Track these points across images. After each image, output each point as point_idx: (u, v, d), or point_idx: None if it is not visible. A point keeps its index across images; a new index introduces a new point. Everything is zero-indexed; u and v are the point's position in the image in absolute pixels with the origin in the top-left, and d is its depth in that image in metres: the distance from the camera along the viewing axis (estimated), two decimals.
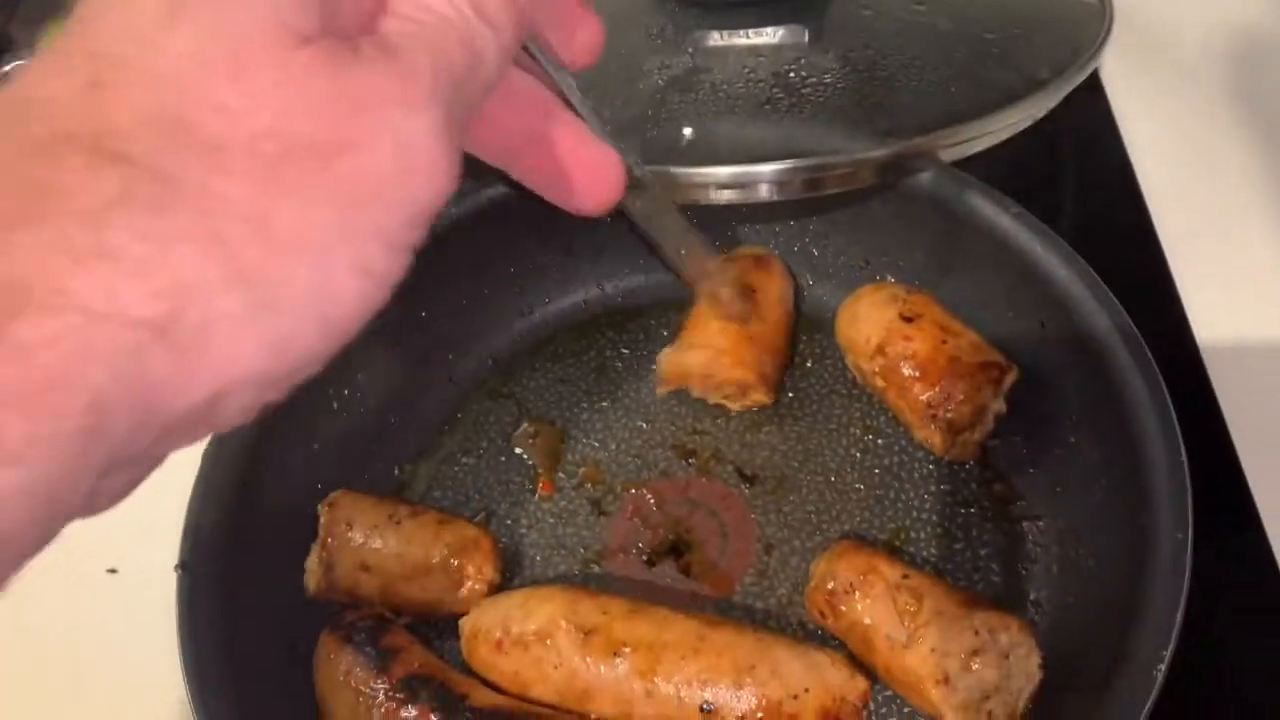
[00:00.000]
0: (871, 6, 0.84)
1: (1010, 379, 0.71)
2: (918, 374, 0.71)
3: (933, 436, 0.72)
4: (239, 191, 0.29)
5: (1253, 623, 0.68)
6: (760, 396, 0.76)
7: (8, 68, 0.95)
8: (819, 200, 0.78)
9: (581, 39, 0.45)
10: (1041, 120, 0.79)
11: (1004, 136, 0.77)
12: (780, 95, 0.77)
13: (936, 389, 0.71)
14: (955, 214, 0.75)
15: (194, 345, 0.29)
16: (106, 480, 0.29)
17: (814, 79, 0.77)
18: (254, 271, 0.30)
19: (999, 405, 0.72)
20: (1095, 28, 0.83)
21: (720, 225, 0.85)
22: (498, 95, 0.37)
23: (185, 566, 0.66)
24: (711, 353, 0.75)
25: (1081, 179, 0.93)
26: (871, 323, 0.74)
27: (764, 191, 0.75)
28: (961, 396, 0.70)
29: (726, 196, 0.76)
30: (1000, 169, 0.77)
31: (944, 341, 0.72)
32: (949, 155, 0.76)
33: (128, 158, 0.29)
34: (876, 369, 0.74)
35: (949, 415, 0.70)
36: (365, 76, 0.31)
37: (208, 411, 0.30)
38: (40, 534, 0.28)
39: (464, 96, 0.34)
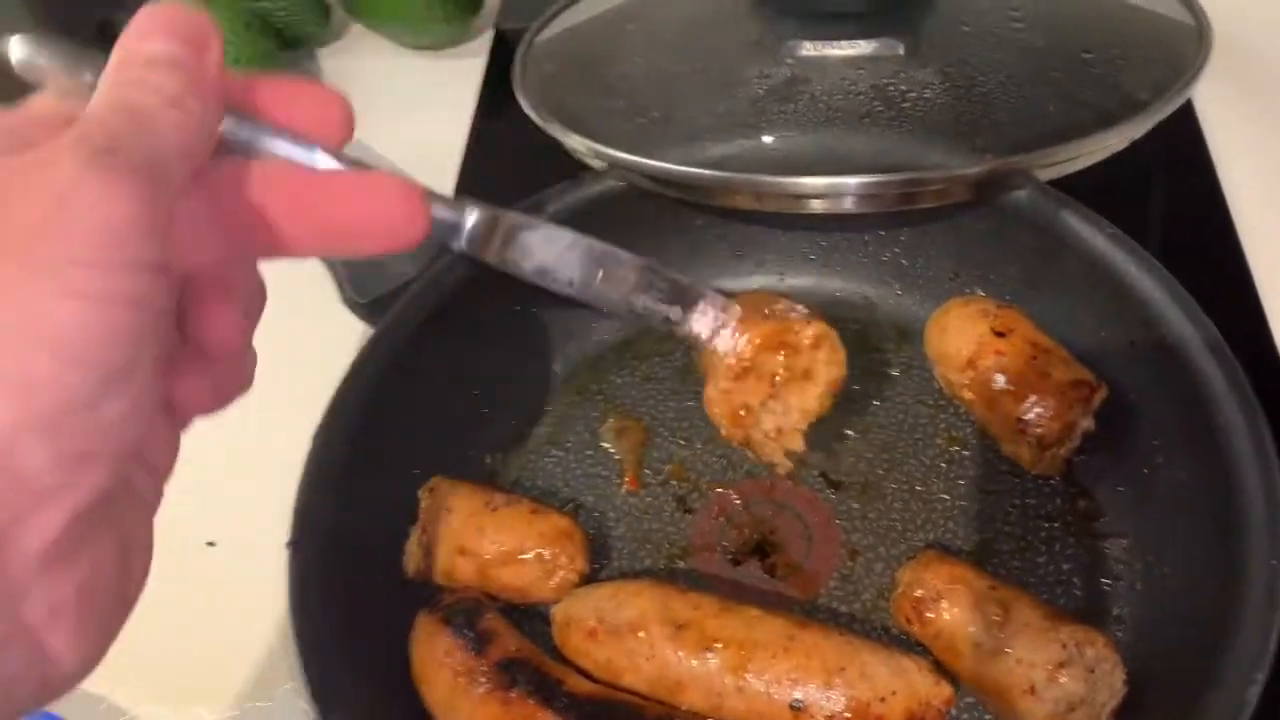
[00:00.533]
0: (970, 23, 0.85)
1: (1100, 397, 0.72)
2: (1009, 388, 0.73)
3: (1021, 451, 0.73)
4: None
5: None
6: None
7: None
8: (912, 211, 0.80)
9: (333, 117, 0.43)
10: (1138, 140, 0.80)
11: (1100, 158, 0.78)
12: (880, 109, 0.78)
13: (1027, 404, 0.72)
14: (1050, 232, 0.76)
15: None
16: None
17: (913, 93, 0.79)
18: None
19: (1088, 423, 0.73)
20: (1193, 51, 0.83)
21: (813, 232, 0.86)
22: (239, 183, 0.40)
23: (295, 544, 0.68)
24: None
25: (1171, 201, 0.93)
26: (962, 336, 0.76)
27: (858, 204, 0.77)
28: (1052, 413, 0.71)
29: (819, 207, 0.78)
30: (1089, 188, 0.78)
31: (1035, 357, 0.73)
32: (1046, 174, 0.77)
33: None
34: (966, 382, 0.75)
35: (1038, 430, 0.71)
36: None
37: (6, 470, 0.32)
38: None
39: (137, 143, 0.36)
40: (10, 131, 0.37)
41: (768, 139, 0.80)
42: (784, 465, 0.64)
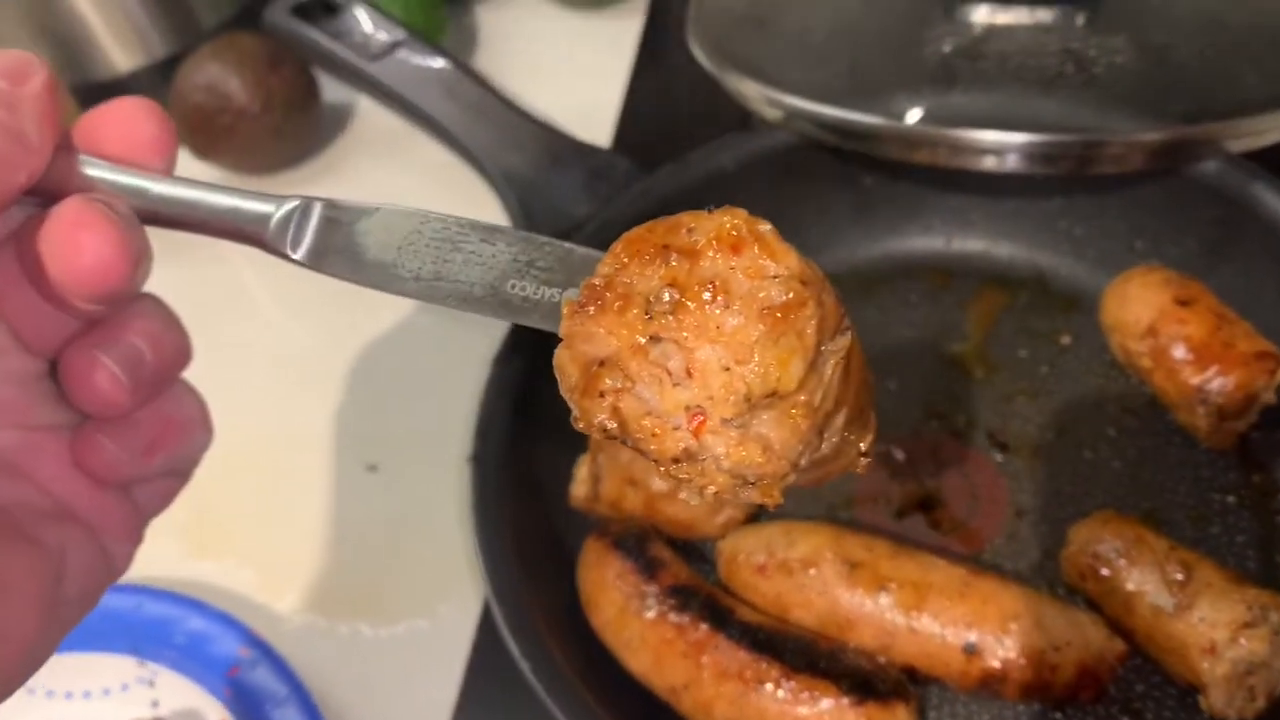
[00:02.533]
0: None
1: None
2: (1190, 357, 0.72)
3: (1198, 421, 0.72)
4: None
5: None
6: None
7: None
8: (1090, 180, 0.79)
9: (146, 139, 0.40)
10: None
11: None
12: (1071, 71, 0.78)
13: (1209, 374, 0.71)
14: (1237, 203, 0.75)
15: None
16: None
17: (1104, 59, 0.78)
18: None
19: (1269, 396, 0.72)
20: None
21: (985, 197, 0.86)
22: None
23: (477, 459, 0.70)
24: None
25: None
26: (1143, 304, 0.75)
27: (1034, 163, 0.76)
28: (1234, 384, 0.70)
29: (991, 164, 0.77)
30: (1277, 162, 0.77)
31: (1219, 328, 0.72)
32: (1235, 146, 0.76)
33: None
34: (1145, 350, 0.74)
35: (1219, 401, 0.71)
36: None
37: None
38: None
39: None
40: None
41: (950, 98, 0.80)
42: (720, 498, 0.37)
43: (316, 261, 0.40)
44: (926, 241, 0.89)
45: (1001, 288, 0.87)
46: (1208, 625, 0.61)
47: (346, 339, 0.96)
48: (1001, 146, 0.75)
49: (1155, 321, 0.74)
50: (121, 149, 0.40)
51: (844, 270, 0.89)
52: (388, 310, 0.97)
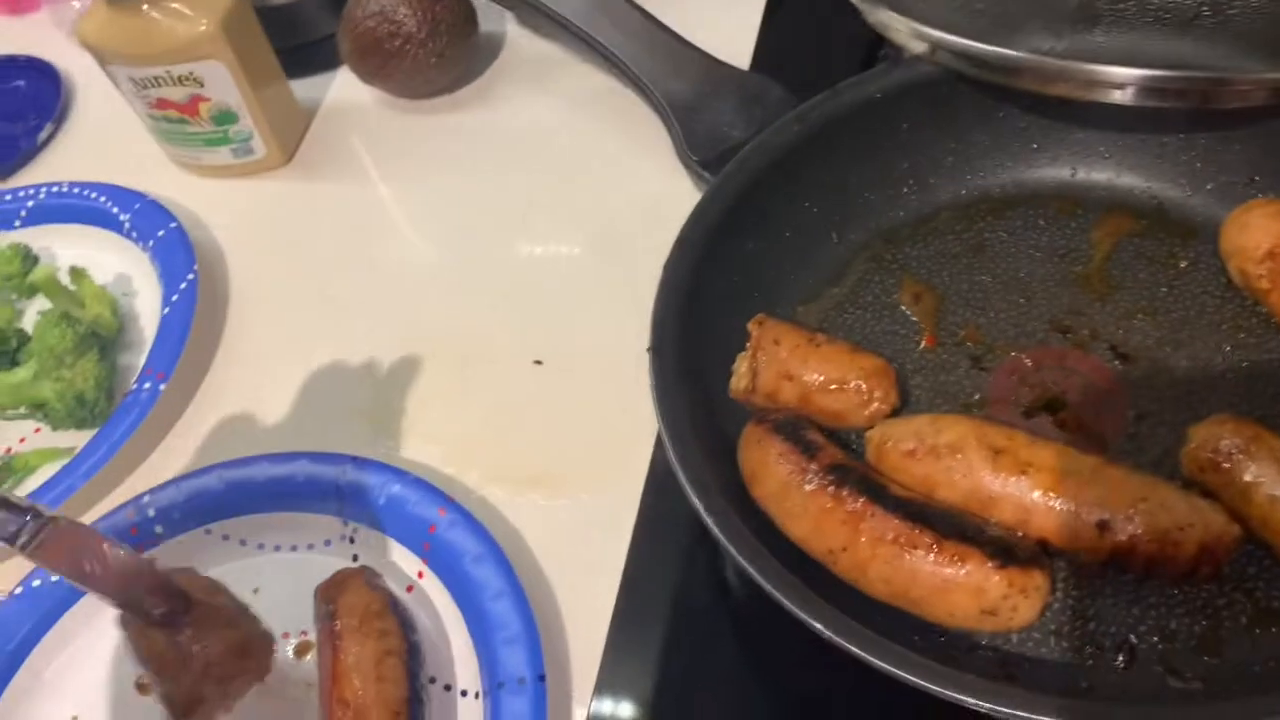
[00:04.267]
0: None
1: None
2: None
3: None
4: None
5: None
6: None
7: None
8: (1213, 117, 0.85)
9: None
10: None
11: None
12: (1208, 13, 0.84)
13: None
14: None
15: None
16: None
17: (1240, 1, 0.84)
18: None
19: None
20: None
21: (1112, 131, 0.93)
22: None
23: (656, 350, 0.79)
24: None
25: None
26: (1264, 231, 0.81)
27: (1162, 98, 0.82)
28: None
29: (1119, 97, 0.83)
30: None
31: None
32: None
33: None
34: (1264, 271, 0.81)
35: None
36: None
37: None
38: None
39: None
40: None
41: (1089, 37, 0.87)
42: None
43: None
44: (1054, 171, 0.96)
45: (1123, 216, 0.93)
46: None
47: (504, 256, 1.06)
48: (1130, 81, 0.80)
49: (1275, 246, 0.81)
50: None
51: (977, 195, 0.96)
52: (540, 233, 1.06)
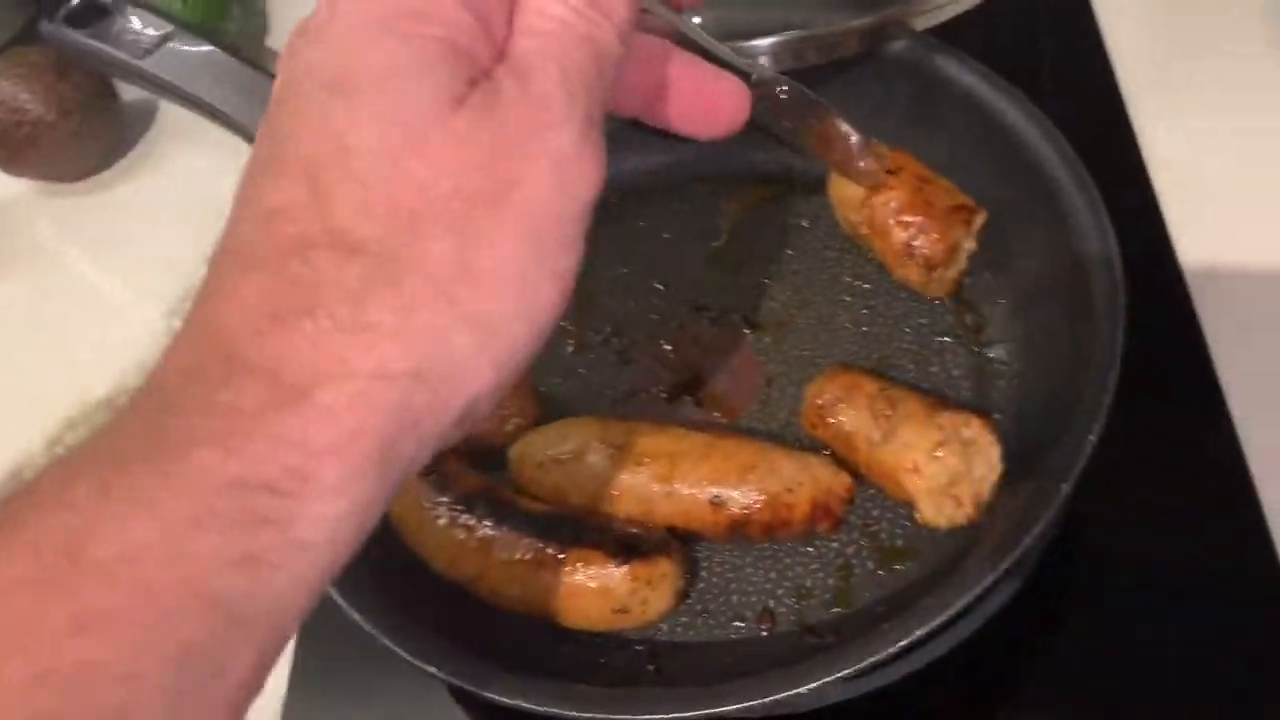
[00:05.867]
0: None
1: (979, 220, 0.80)
2: (898, 219, 0.81)
3: (910, 273, 0.81)
4: (445, 250, 0.37)
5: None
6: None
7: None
8: (810, 72, 0.87)
9: None
10: None
11: (970, 4, 0.85)
12: None
13: (913, 229, 0.80)
14: (926, 76, 0.84)
15: (444, 381, 0.37)
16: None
17: None
18: (474, 312, 0.37)
19: (970, 244, 0.81)
20: None
21: None
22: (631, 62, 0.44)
23: None
24: None
25: (1053, 45, 1.01)
26: None
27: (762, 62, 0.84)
28: (936, 235, 0.79)
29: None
30: (976, 38, 0.86)
31: (920, 189, 0.81)
32: (921, 23, 0.85)
33: (360, 247, 0.36)
34: (862, 219, 0.83)
35: (924, 252, 0.80)
36: (511, 115, 0.38)
37: (467, 418, 0.39)
38: (359, 541, 0.37)
39: (597, 92, 0.41)
40: (473, 5, 0.39)
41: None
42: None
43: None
44: (686, 153, 0.97)
45: (755, 186, 0.95)
46: (909, 449, 0.71)
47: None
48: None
49: (868, 191, 0.83)
50: None
51: (613, 186, 0.97)
52: None
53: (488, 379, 0.38)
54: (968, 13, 0.85)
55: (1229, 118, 0.95)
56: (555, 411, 0.85)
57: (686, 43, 0.53)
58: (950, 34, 0.85)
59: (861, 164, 0.79)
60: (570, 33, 0.40)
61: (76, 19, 1.02)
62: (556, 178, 0.38)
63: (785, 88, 0.74)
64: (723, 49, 0.56)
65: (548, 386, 0.87)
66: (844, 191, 0.85)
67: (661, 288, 0.91)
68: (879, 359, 0.82)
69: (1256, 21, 1.00)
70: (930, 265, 0.80)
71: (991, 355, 0.81)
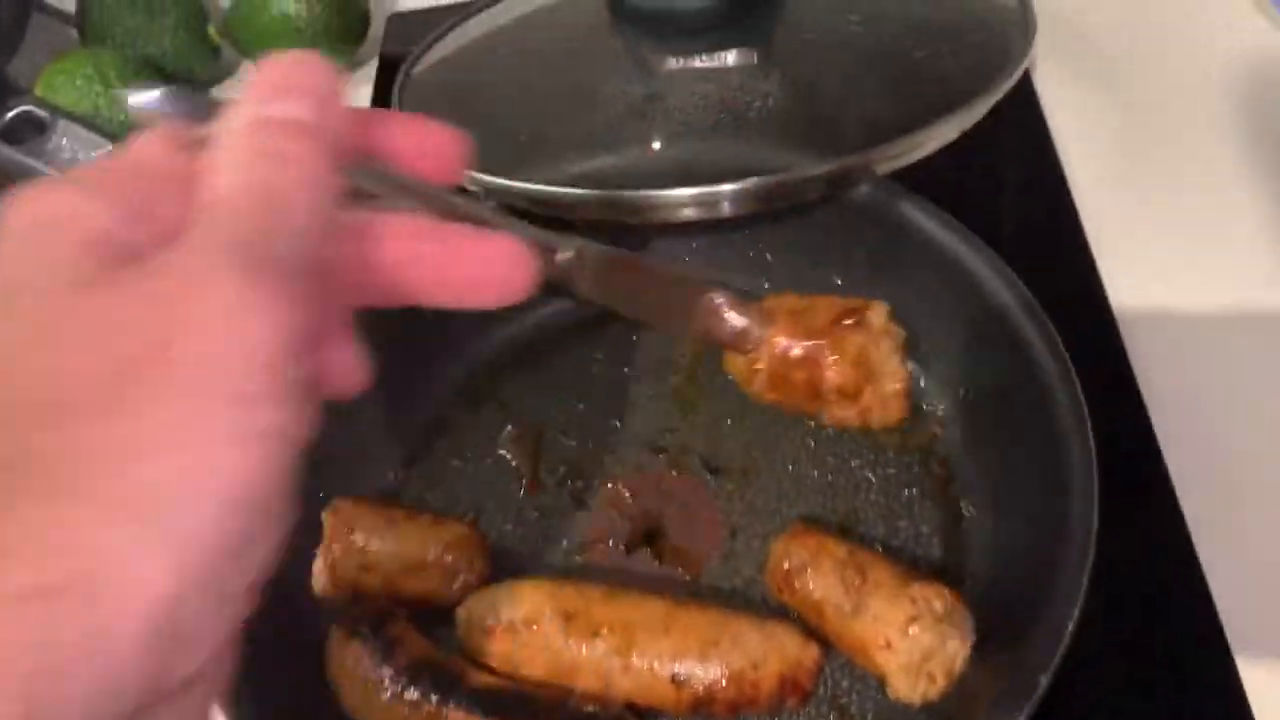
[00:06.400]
0: (813, 29, 0.91)
1: (876, 313, 0.75)
2: (785, 362, 0.75)
3: (841, 413, 0.76)
4: (90, 435, 0.31)
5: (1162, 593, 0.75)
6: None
7: (10, 114, 1.01)
8: (774, 218, 0.85)
9: (438, 149, 0.44)
10: (983, 124, 0.85)
11: (934, 148, 0.83)
12: (726, 120, 0.84)
13: (808, 365, 0.75)
14: (889, 221, 0.83)
15: (103, 596, 0.29)
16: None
17: (758, 102, 0.84)
18: (124, 498, 0.31)
19: (886, 342, 0.75)
20: (1021, 40, 0.90)
21: (686, 236, 0.92)
22: (353, 240, 0.41)
23: None
24: None
25: (1016, 184, 1.00)
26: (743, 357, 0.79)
27: (702, 211, 0.80)
28: (834, 357, 0.74)
29: (683, 214, 0.82)
30: (940, 178, 0.84)
31: (798, 320, 0.76)
32: (884, 168, 0.83)
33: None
34: (762, 385, 0.78)
35: (834, 382, 0.74)
36: (164, 274, 0.34)
37: (169, 629, 0.31)
38: None
39: (274, 234, 0.35)
40: (125, 199, 0.36)
41: (629, 153, 0.85)
42: None
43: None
44: None
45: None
46: (881, 623, 0.68)
47: None
48: (671, 201, 0.79)
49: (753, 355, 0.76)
50: (423, 164, 0.44)
51: (572, 317, 0.94)
52: None
53: (162, 581, 0.30)
54: (929, 157, 0.83)
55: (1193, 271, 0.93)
56: (506, 563, 0.81)
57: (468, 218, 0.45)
58: (914, 177, 0.83)
59: (734, 326, 0.59)
60: (238, 184, 0.36)
61: (11, 134, 0.98)
62: (224, 325, 0.33)
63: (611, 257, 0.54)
64: (520, 225, 0.46)
65: (499, 533, 0.83)
66: (734, 365, 0.81)
67: (618, 425, 0.87)
68: (845, 512, 0.79)
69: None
70: (848, 393, 0.75)
71: (962, 510, 0.78)
